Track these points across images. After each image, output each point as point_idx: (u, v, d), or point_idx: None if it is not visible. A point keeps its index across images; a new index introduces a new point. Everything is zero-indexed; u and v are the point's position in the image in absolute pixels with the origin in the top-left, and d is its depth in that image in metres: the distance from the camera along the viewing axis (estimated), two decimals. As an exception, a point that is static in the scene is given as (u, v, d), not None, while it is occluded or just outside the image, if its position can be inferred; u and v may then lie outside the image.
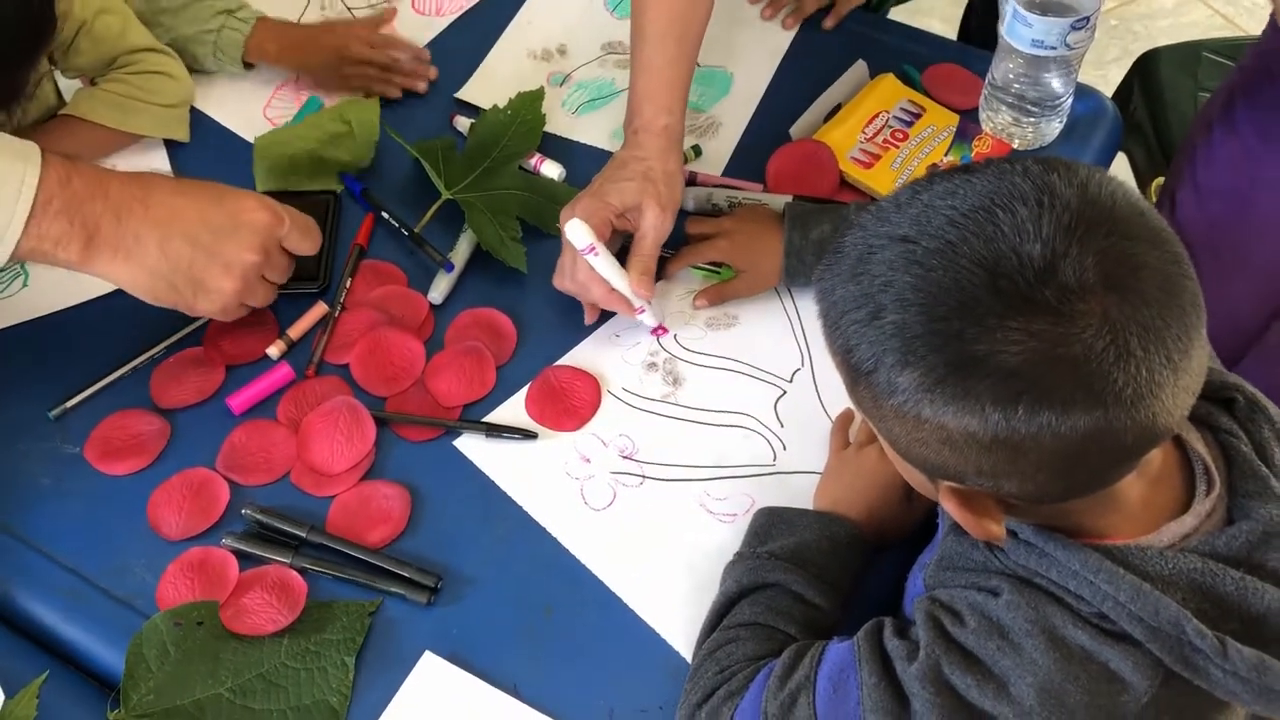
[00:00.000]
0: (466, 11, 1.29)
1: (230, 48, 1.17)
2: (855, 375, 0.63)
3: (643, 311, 0.99)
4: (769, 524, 0.86)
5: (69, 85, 1.17)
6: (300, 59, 1.20)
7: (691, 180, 1.11)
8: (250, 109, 1.20)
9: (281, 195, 1.09)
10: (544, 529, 0.91)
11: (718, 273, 1.05)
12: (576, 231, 0.93)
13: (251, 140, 1.15)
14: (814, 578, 0.81)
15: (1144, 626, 0.62)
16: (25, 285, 1.06)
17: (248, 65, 1.20)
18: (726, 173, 1.13)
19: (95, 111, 1.09)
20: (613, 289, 0.96)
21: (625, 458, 0.94)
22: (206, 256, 0.90)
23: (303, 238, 0.96)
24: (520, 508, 0.92)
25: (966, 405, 0.58)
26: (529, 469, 0.94)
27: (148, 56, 1.12)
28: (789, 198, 1.08)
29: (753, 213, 1.05)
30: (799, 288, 1.03)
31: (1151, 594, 0.61)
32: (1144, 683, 0.63)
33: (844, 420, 0.95)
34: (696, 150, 1.14)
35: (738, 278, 1.03)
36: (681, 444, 0.95)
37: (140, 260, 0.88)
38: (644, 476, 0.93)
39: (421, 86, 1.20)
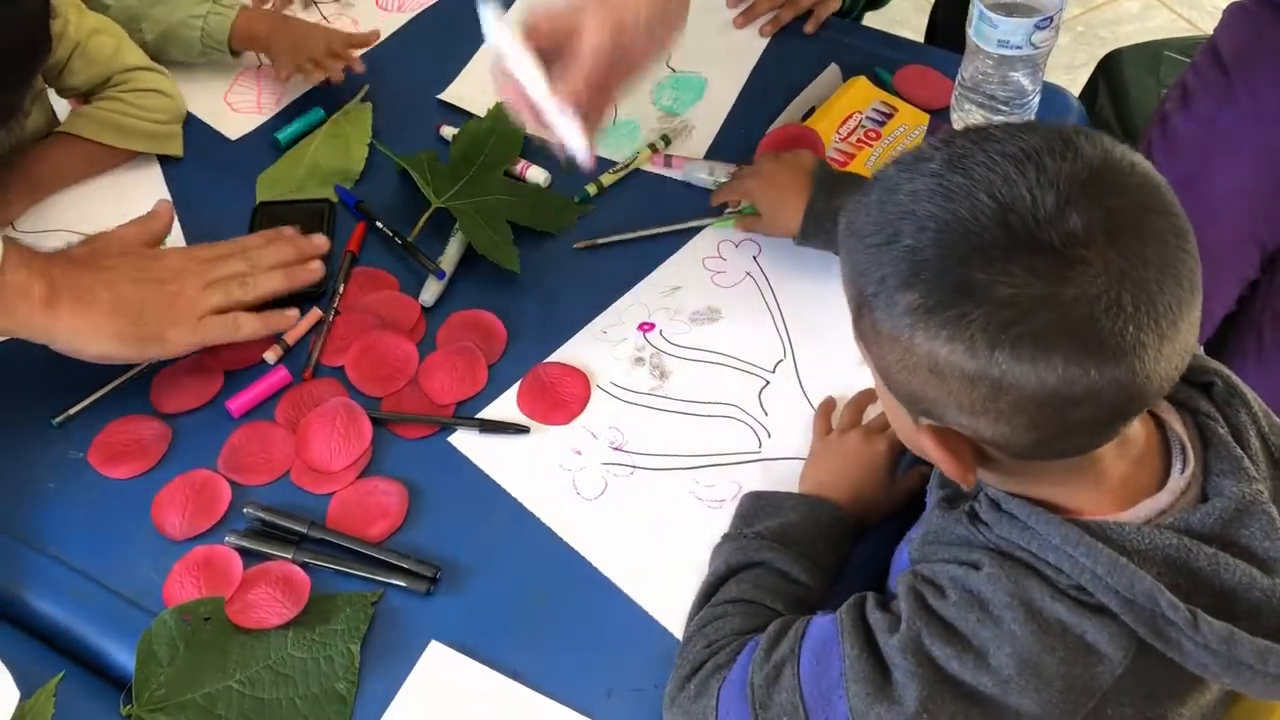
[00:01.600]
0: (445, 8, 1.33)
1: (218, 32, 1.21)
2: (860, 300, 0.66)
3: (566, 131, 0.85)
4: (756, 506, 0.89)
5: (63, 104, 1.20)
6: (281, 42, 1.23)
7: (667, 162, 1.16)
8: (212, 97, 1.24)
9: (278, 203, 1.13)
10: (538, 519, 0.93)
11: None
12: (487, 20, 0.84)
13: (220, 130, 1.21)
14: (800, 556, 0.84)
15: (1120, 599, 0.64)
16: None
17: (234, 53, 1.24)
18: (699, 176, 1.17)
19: (91, 129, 1.11)
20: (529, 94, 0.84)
21: (615, 449, 0.97)
22: (152, 288, 0.95)
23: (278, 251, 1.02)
24: (514, 499, 0.94)
25: (957, 332, 0.60)
26: (522, 462, 0.97)
27: (141, 75, 1.15)
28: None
29: (790, 161, 1.06)
30: (815, 247, 1.04)
31: (1128, 567, 0.64)
32: (1119, 654, 0.65)
33: (826, 407, 0.98)
34: (666, 139, 1.18)
35: (759, 218, 1.05)
36: (670, 435, 0.98)
37: (97, 304, 0.92)
38: (634, 467, 0.96)
39: (337, 74, 1.22)
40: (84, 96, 1.15)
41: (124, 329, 0.93)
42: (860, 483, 0.90)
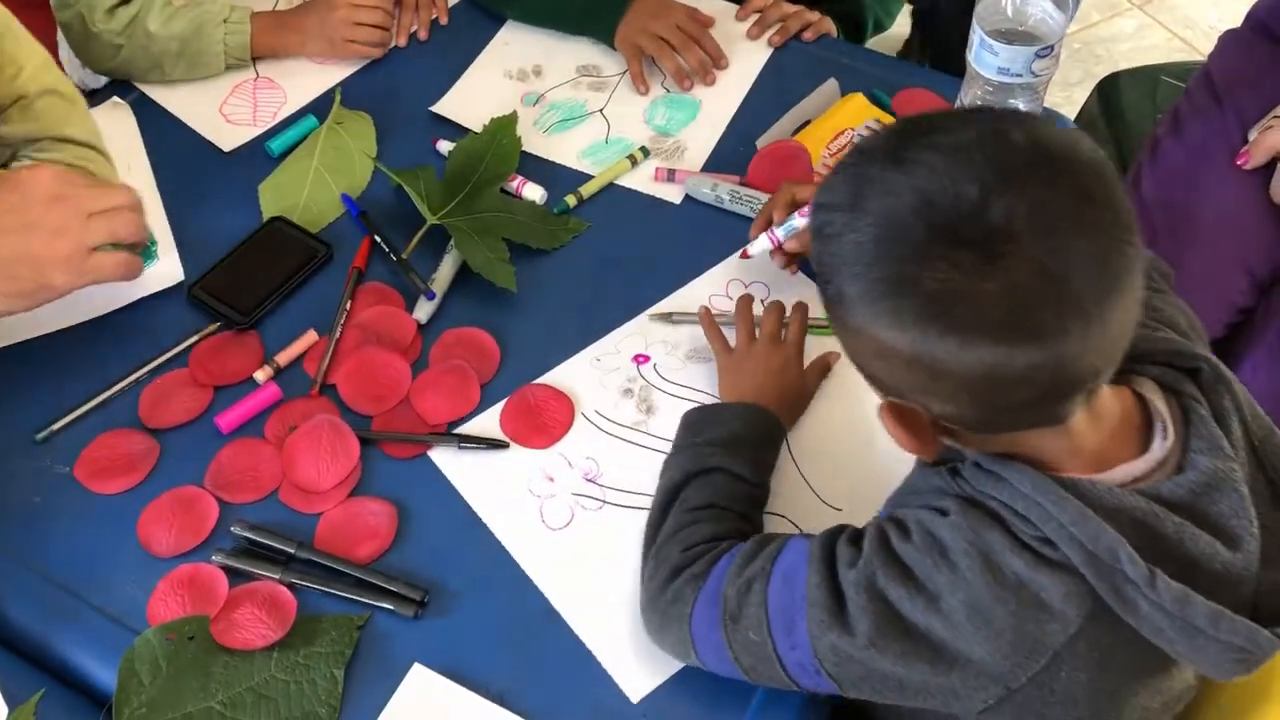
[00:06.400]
0: (443, 28, 1.34)
1: (239, 50, 1.26)
2: (824, 292, 0.69)
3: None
4: (700, 420, 0.93)
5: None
6: (301, 40, 1.28)
7: (670, 176, 1.17)
8: (207, 108, 1.25)
9: (289, 225, 1.13)
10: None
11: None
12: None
13: (215, 142, 1.21)
14: (750, 460, 0.89)
15: (1082, 551, 0.66)
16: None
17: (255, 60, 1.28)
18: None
19: None
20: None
21: (588, 480, 0.96)
22: (24, 235, 0.90)
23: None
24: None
25: (894, 321, 0.64)
26: (495, 484, 0.96)
27: (80, 150, 1.07)
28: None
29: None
30: None
31: (1094, 520, 0.66)
32: (1072, 613, 0.68)
33: (711, 325, 1.02)
34: (644, 151, 1.19)
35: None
36: (644, 473, 0.96)
37: None
38: (604, 501, 0.95)
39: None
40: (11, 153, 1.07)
41: (7, 289, 0.91)
42: (782, 386, 0.97)
